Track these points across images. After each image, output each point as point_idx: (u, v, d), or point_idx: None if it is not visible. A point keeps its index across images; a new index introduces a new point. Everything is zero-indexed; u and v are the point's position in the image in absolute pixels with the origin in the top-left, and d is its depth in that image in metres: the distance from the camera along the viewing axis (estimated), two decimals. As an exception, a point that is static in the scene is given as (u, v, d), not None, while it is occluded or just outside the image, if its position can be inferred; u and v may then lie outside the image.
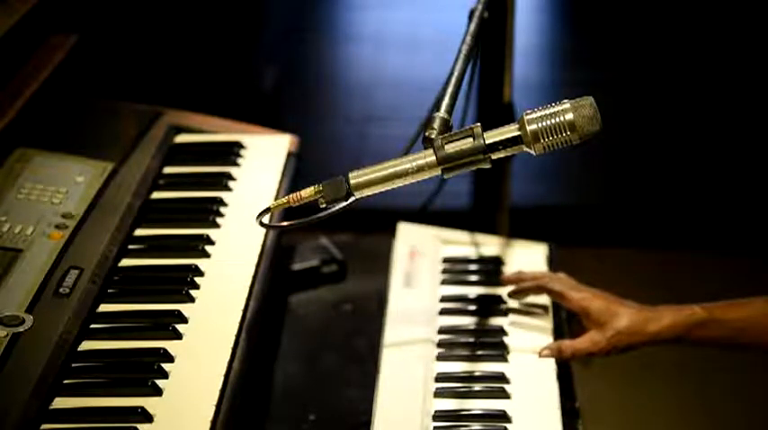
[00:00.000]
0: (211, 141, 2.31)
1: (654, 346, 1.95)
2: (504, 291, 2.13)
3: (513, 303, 2.10)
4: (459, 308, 2.09)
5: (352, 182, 1.60)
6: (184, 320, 1.79)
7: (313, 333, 2.18)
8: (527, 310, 2.09)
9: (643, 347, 1.95)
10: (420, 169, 1.59)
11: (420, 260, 2.22)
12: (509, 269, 2.20)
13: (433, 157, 1.59)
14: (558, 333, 2.05)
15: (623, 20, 5.41)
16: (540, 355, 1.97)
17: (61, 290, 1.76)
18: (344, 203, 1.61)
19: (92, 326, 1.76)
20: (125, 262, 1.93)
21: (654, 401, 3.37)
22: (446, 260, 2.23)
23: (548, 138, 1.56)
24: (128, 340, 1.74)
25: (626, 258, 3.94)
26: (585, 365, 2.07)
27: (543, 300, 2.10)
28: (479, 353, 1.98)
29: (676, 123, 4.66)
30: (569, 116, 1.55)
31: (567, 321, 2.08)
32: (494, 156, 1.59)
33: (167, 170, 2.20)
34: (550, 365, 1.96)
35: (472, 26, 1.96)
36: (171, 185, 2.16)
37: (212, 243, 1.99)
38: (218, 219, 2.05)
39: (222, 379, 1.68)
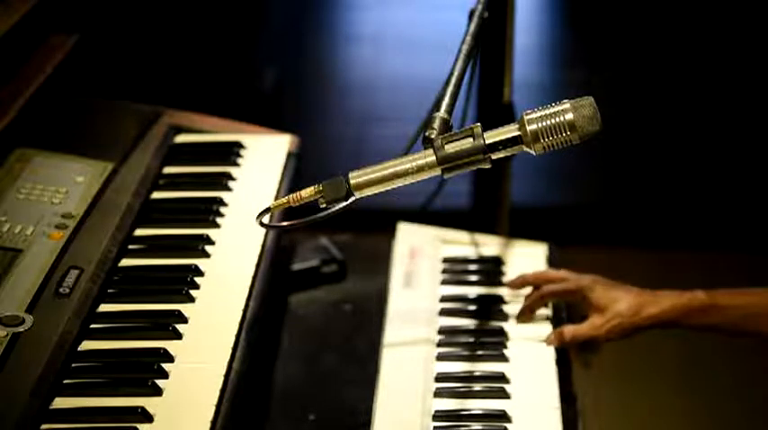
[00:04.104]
0: (211, 141, 2.31)
1: (655, 329, 1.94)
2: (504, 291, 2.13)
3: (513, 303, 2.10)
4: (459, 308, 2.09)
5: (352, 182, 1.60)
6: (184, 320, 1.79)
7: (313, 333, 2.18)
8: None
9: (644, 331, 1.95)
10: (420, 169, 1.59)
11: (420, 260, 2.22)
12: (509, 269, 2.20)
13: (433, 157, 1.59)
14: (558, 333, 2.05)
15: (623, 20, 5.41)
16: (547, 343, 1.97)
17: (61, 290, 1.76)
18: (344, 203, 1.61)
19: (92, 326, 1.76)
20: (125, 262, 1.93)
21: (655, 401, 3.37)
22: (446, 260, 2.23)
23: (548, 138, 1.56)
24: (128, 340, 1.74)
25: (626, 258, 3.93)
26: (586, 365, 2.07)
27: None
28: (479, 353, 1.98)
29: (676, 123, 4.66)
30: (569, 116, 1.55)
31: (567, 321, 2.07)
32: (494, 156, 1.59)
33: (167, 170, 2.20)
34: (551, 365, 1.96)
35: (472, 26, 1.96)
36: (171, 185, 2.16)
37: (212, 243, 1.99)
38: (218, 219, 2.05)
39: (222, 379, 1.68)
